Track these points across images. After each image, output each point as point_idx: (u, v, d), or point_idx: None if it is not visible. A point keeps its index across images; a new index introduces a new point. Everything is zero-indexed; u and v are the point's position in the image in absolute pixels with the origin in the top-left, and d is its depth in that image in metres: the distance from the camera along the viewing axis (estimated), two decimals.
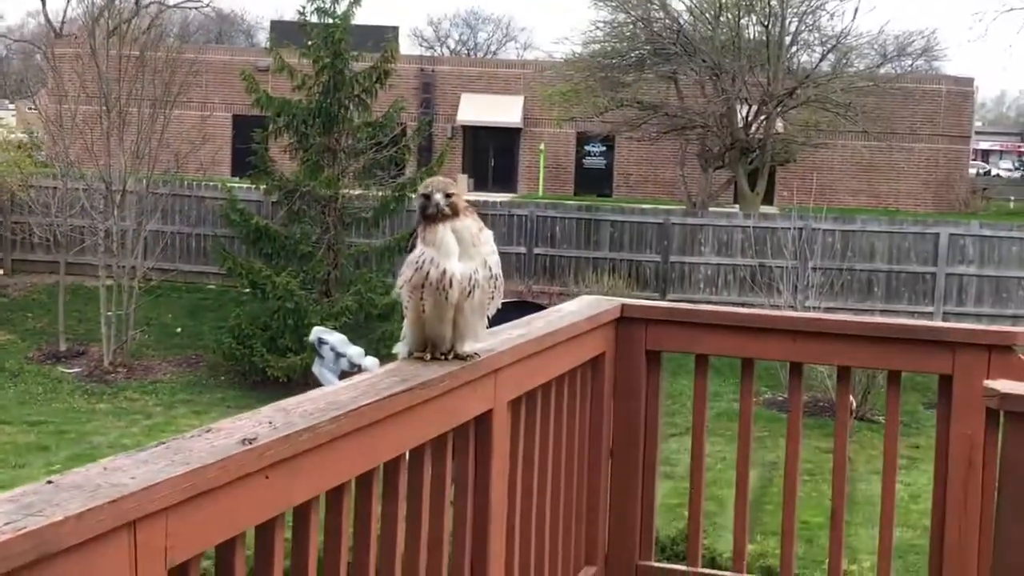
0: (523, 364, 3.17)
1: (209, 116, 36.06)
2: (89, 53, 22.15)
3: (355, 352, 4.60)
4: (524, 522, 3.34)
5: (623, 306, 3.96)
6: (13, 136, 25.17)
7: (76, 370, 20.56)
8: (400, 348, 2.91)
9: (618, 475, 3.99)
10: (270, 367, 19.22)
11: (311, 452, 2.21)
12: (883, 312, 23.28)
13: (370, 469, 2.49)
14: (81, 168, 21.99)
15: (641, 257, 24.19)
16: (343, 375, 4.71)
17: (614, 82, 31.62)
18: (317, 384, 4.74)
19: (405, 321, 2.86)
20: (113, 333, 20.56)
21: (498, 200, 27.29)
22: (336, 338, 4.54)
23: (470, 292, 2.78)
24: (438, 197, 2.76)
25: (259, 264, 20.47)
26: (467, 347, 2.90)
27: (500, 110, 42.48)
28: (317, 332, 4.46)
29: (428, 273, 2.76)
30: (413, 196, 21.39)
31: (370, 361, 4.71)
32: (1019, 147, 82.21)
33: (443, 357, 2.85)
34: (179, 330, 22.36)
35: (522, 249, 24.13)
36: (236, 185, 24.78)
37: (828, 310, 21.75)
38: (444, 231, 2.76)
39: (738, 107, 30.98)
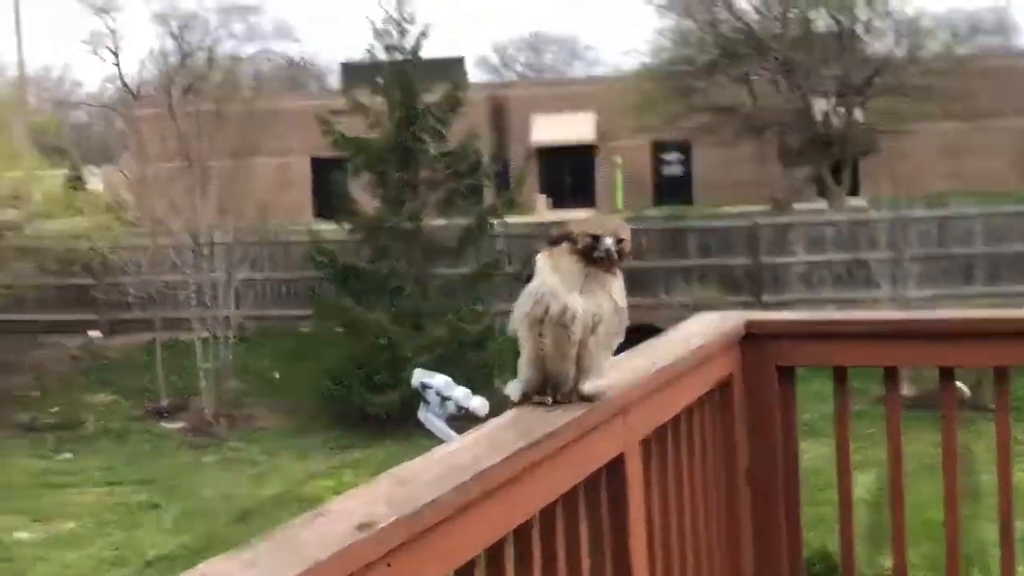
0: (652, 398, 2.92)
1: (282, 162, 36.34)
2: (167, 112, 22.36)
3: (461, 394, 4.37)
4: (666, 568, 3.08)
5: (748, 321, 3.69)
6: (100, 200, 25.46)
7: (179, 425, 20.68)
8: (513, 388, 2.68)
9: (758, 503, 3.71)
10: (369, 405, 19.14)
11: (436, 528, 1.96)
12: (987, 296, 22.61)
13: (500, 538, 2.25)
14: (168, 225, 22.18)
15: (731, 261, 23.75)
16: (451, 420, 4.49)
17: (686, 88, 31.28)
18: (425, 430, 4.52)
19: (521, 359, 2.63)
20: (212, 385, 20.65)
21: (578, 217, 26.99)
22: (439, 381, 4.32)
23: (594, 328, 2.55)
24: (608, 243, 2.54)
25: (349, 303, 20.43)
26: (591, 385, 2.67)
27: (573, 128, 42.28)
28: (419, 376, 4.25)
29: (548, 307, 2.53)
30: (502, 220, 21.30)
31: (477, 402, 4.46)
32: None
33: (566, 399, 2.62)
34: (277, 376, 22.41)
35: None
36: (320, 227, 24.85)
37: (929, 299, 21.23)
38: (572, 264, 2.54)
39: (815, 101, 30.46)
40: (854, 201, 31.62)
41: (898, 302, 20.86)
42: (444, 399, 4.42)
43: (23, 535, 15.23)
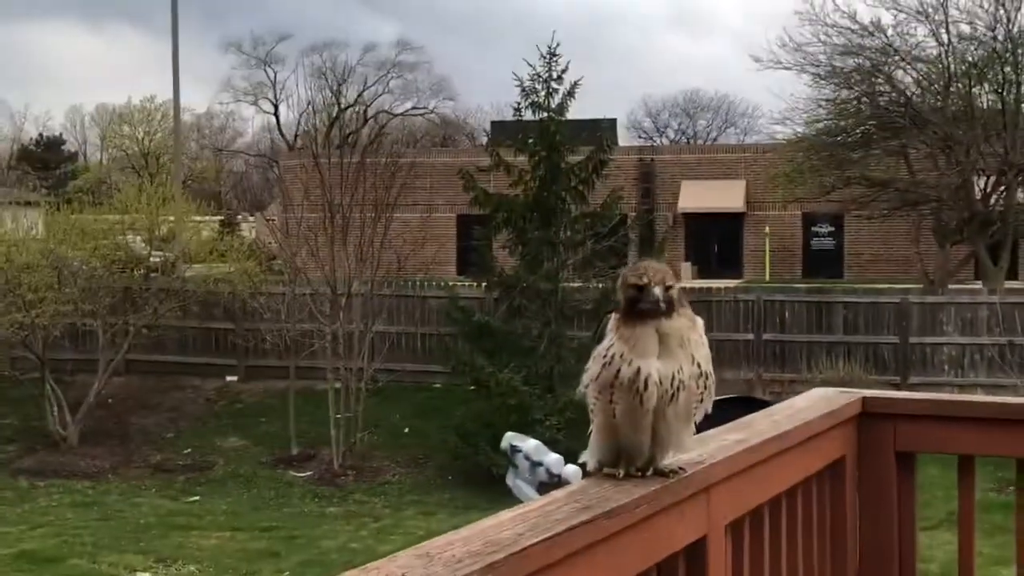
0: (743, 477, 2.58)
1: (432, 217, 36.60)
2: (312, 162, 22.64)
3: (553, 460, 4.07)
4: None
5: (864, 399, 3.32)
6: (244, 246, 25.92)
7: (307, 474, 20.69)
8: (588, 459, 2.39)
9: None
10: (495, 465, 18.84)
11: None
12: None
13: None
14: (307, 274, 22.39)
15: (878, 339, 22.93)
16: (542, 487, 4.17)
17: (840, 160, 30.54)
18: (515, 499, 4.21)
19: (592, 427, 2.35)
20: (342, 436, 20.63)
21: (723, 286, 26.50)
22: (531, 445, 4.03)
23: (673, 396, 2.25)
24: (657, 291, 2.25)
25: (482, 361, 20.25)
26: (670, 459, 2.35)
27: (722, 195, 41.77)
28: (509, 439, 3.97)
29: (619, 371, 2.24)
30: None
31: (571, 470, 4.14)
32: None
33: (639, 473, 2.31)
34: (406, 430, 22.32)
35: (750, 336, 23.24)
36: (459, 283, 24.86)
37: None
38: (644, 329, 2.25)
39: (975, 179, 29.44)
40: (1012, 283, 30.40)
41: None
42: (535, 464, 4.12)
43: (143, 575, 15.29)
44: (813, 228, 41.39)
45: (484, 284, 21.48)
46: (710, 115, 73.26)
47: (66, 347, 23.98)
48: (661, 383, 2.23)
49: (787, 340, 23.27)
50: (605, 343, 2.27)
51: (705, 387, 2.30)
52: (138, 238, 26.04)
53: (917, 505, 3.35)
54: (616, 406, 2.25)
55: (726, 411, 2.81)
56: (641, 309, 2.26)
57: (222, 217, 45.15)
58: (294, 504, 19.26)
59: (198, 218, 31.17)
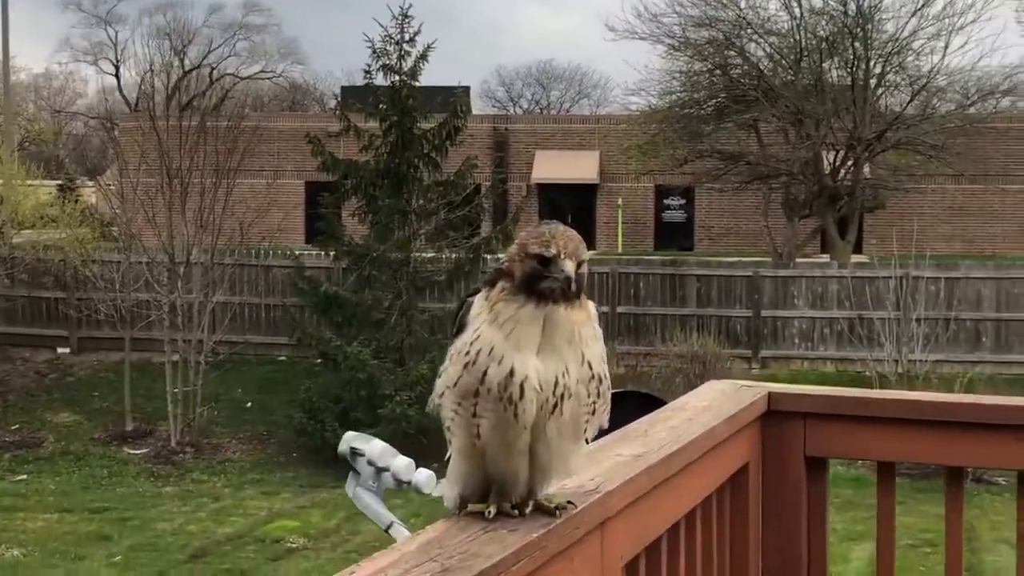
0: (643, 504, 2.03)
1: (279, 183, 35.50)
2: (151, 125, 21.50)
3: (402, 465, 3.44)
4: None
5: (770, 395, 2.80)
6: (73, 210, 24.54)
7: (143, 451, 19.70)
8: (445, 491, 1.81)
9: None
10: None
11: None
12: (993, 364, 21.77)
13: None
14: (143, 242, 21.28)
15: (731, 312, 22.87)
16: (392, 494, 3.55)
17: (693, 132, 30.45)
18: (356, 510, 3.58)
19: (451, 451, 1.77)
20: (180, 411, 19.68)
21: None
22: (375, 447, 3.39)
23: (556, 406, 1.68)
24: (568, 267, 1.69)
25: (329, 333, 19.50)
26: (555, 488, 1.79)
27: (576, 166, 41.52)
28: (348, 441, 3.33)
29: (486, 372, 1.66)
30: (495, 256, 20.38)
31: (423, 476, 3.52)
32: None
33: (516, 512, 1.74)
34: (249, 405, 21.45)
35: (604, 308, 22.93)
36: (306, 252, 23.98)
37: (934, 363, 20.38)
38: (528, 314, 1.69)
39: (824, 153, 29.67)
40: (857, 257, 30.79)
41: (901, 363, 20.02)
42: (380, 470, 3.52)
43: None
44: (665, 200, 41.43)
45: (332, 253, 20.69)
46: (563, 86, 73.11)
47: None
48: (541, 389, 1.67)
49: (641, 313, 23.05)
50: (467, 334, 1.70)
51: (599, 394, 1.74)
52: None
53: (828, 517, 2.85)
54: (482, 421, 1.68)
55: (615, 408, 2.26)
56: (543, 289, 1.69)
57: (61, 182, 43.18)
58: (128, 483, 18.29)
59: (32, 182, 29.55)
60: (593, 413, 1.73)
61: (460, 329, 1.73)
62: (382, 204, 19.86)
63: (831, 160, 29.65)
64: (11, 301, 23.53)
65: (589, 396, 1.71)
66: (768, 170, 30.17)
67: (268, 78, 70.61)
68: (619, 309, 22.95)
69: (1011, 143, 39.33)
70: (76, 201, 27.04)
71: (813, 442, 2.79)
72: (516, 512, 1.73)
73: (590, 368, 1.71)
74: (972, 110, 31.99)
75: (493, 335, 1.67)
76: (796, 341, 22.73)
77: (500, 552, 1.57)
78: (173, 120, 21.23)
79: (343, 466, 3.81)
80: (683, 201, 41.19)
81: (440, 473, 1.98)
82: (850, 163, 29.52)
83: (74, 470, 18.88)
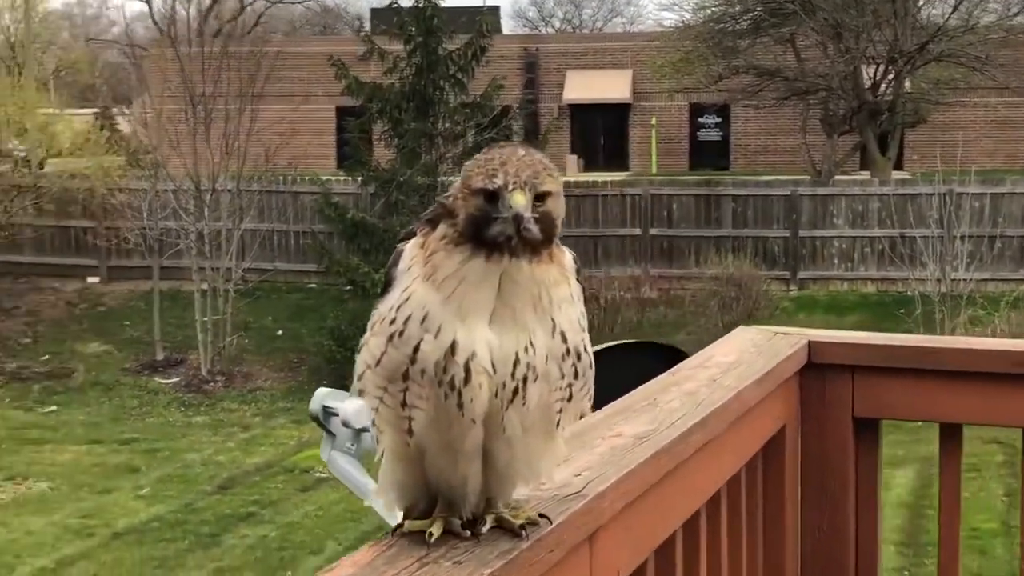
0: (647, 500, 1.61)
1: (309, 108, 35.04)
2: (173, 51, 21.02)
3: None
4: None
5: (811, 344, 2.36)
6: (99, 138, 24.21)
7: (173, 380, 19.52)
8: (378, 503, 1.40)
9: None
10: None
11: None
12: None
13: None
14: (169, 169, 20.92)
15: (768, 233, 22.31)
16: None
17: (728, 48, 29.70)
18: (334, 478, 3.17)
19: (380, 449, 1.36)
20: (210, 340, 19.44)
21: (609, 179, 25.63)
22: (350, 407, 2.97)
23: (517, 391, 1.26)
24: (520, 203, 1.29)
25: (357, 260, 19.15)
26: (522, 493, 1.37)
27: (608, 86, 40.73)
28: (320, 399, 2.95)
29: (417, 348, 1.25)
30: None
31: None
32: None
33: (468, 532, 1.32)
34: (280, 333, 21.20)
35: (637, 231, 22.45)
36: (335, 178, 23.57)
37: (979, 282, 19.80)
38: (477, 269, 1.26)
39: (864, 67, 28.86)
40: (898, 174, 30.08)
41: (945, 283, 19.47)
42: (358, 432, 3.12)
43: None
44: (700, 119, 40.62)
45: (359, 179, 20.27)
46: (595, 4, 71.74)
47: None
48: (495, 370, 1.24)
49: (675, 235, 22.53)
50: (393, 295, 1.28)
51: (576, 373, 1.31)
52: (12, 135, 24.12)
53: (879, 488, 2.42)
54: (415, 413, 1.27)
55: (616, 367, 1.84)
56: (493, 236, 1.26)
57: (96, 110, 42.81)
58: (159, 413, 18.13)
59: (69, 111, 29.27)
60: (569, 399, 1.32)
61: (388, 285, 1.32)
62: (408, 128, 19.39)
63: (871, 74, 28.85)
64: (39, 231, 23.30)
65: (563, 377, 1.30)
66: (806, 85, 29.41)
67: (299, 2, 69.76)
68: (652, 231, 22.45)
69: None
70: (113, 130, 26.74)
71: (863, 401, 2.35)
72: (467, 532, 1.31)
73: (563, 340, 1.29)
74: (1015, 20, 31.05)
75: (427, 296, 1.26)
76: (835, 261, 22.20)
77: None
78: (196, 46, 20.68)
79: None
80: (718, 119, 40.39)
81: None
82: (891, 77, 28.70)
83: (104, 401, 18.73)
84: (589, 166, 39.43)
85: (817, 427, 2.34)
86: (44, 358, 20.58)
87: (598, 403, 1.76)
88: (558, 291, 1.31)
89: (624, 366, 1.88)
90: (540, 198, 1.28)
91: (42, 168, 23.97)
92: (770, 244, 22.28)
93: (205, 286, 19.95)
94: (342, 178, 22.93)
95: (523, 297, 1.28)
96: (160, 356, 20.18)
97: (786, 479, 2.26)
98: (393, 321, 1.30)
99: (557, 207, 1.30)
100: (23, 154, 24.34)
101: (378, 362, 1.32)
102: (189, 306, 20.36)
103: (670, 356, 2.45)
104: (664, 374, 2.08)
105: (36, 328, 21.81)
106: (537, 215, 1.27)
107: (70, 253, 23.44)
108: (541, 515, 1.36)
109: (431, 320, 1.27)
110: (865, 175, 29.09)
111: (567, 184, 24.80)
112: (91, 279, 23.35)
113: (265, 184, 22.03)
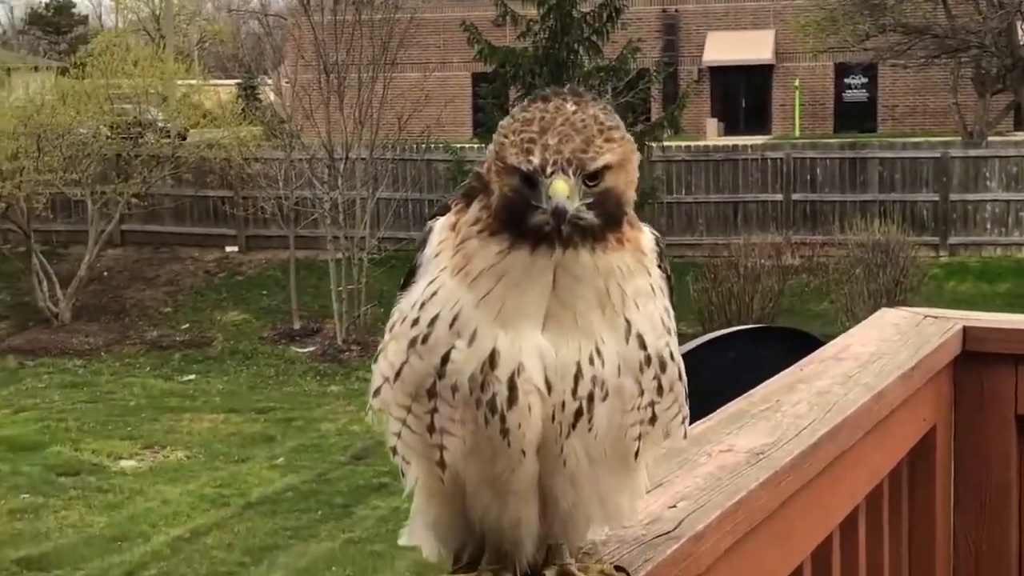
0: (762, 534, 1.30)
1: (445, 75, 34.99)
2: (307, 21, 21.06)
3: None
4: None
5: (966, 330, 2.01)
6: (235, 108, 24.48)
7: (309, 349, 19.64)
8: (416, 539, 1.12)
9: None
10: None
11: None
12: None
13: None
14: (303, 138, 21.01)
15: (916, 197, 21.50)
16: None
17: (874, 5, 28.79)
18: None
19: (409, 482, 1.08)
20: (345, 309, 19.50)
21: (750, 143, 25.00)
22: None
23: (581, 413, 0.96)
24: (560, 193, 1.02)
25: None
26: (595, 537, 1.07)
27: (750, 46, 39.83)
28: None
29: (447, 358, 0.97)
30: (661, 144, 19.33)
31: None
32: None
33: None
34: None
35: (779, 196, 21.83)
36: (467, 146, 23.44)
37: None
38: (522, 261, 0.98)
39: (1018, 23, 27.70)
40: None
41: None
42: None
43: (128, 463, 14.32)
44: (845, 79, 39.52)
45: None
46: None
47: (53, 219, 22.78)
48: (551, 387, 0.95)
49: (818, 200, 21.87)
50: (418, 288, 1.01)
51: (660, 389, 1.00)
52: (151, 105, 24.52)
53: None
54: (446, 440, 0.99)
55: (741, 357, 1.53)
56: (536, 226, 0.96)
57: (240, 80, 43.41)
58: (295, 383, 18.26)
59: (214, 82, 29.71)
60: (652, 421, 1.01)
61: (411, 275, 1.04)
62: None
63: None
64: (179, 201, 23.67)
65: (642, 393, 1.00)
66: (957, 43, 28.34)
67: None
68: (794, 196, 21.83)
69: None
70: (255, 99, 27.03)
71: None
72: None
73: (642, 345, 0.99)
74: None
75: (458, 293, 0.98)
76: (988, 226, 21.31)
77: None
78: (330, 14, 20.69)
79: None
80: (865, 79, 39.23)
81: None
82: None
83: (242, 369, 18.94)
84: (729, 130, 38.69)
85: (973, 429, 1.99)
86: (184, 327, 20.92)
87: (710, 403, 1.46)
88: (633, 283, 1.00)
89: (744, 356, 1.58)
90: (595, 176, 0.98)
91: (183, 139, 24.30)
92: (919, 208, 21.47)
93: (340, 255, 20.00)
94: (476, 145, 22.77)
95: (586, 295, 0.98)
96: (297, 325, 20.33)
97: (936, 492, 1.92)
98: (416, 322, 1.03)
99: (622, 180, 1.00)
100: (163, 125, 24.71)
101: (398, 374, 1.05)
102: (325, 275, 20.45)
103: (800, 342, 2.14)
104: (791, 368, 1.76)
105: (176, 297, 22.19)
106: (592, 198, 0.98)
107: (209, 223, 23.79)
108: (618, 568, 1.06)
109: (463, 322, 0.99)
110: (1020, 135, 27.92)
111: (706, 149, 24.33)
112: (230, 248, 23.65)
113: (399, 152, 22.00)
